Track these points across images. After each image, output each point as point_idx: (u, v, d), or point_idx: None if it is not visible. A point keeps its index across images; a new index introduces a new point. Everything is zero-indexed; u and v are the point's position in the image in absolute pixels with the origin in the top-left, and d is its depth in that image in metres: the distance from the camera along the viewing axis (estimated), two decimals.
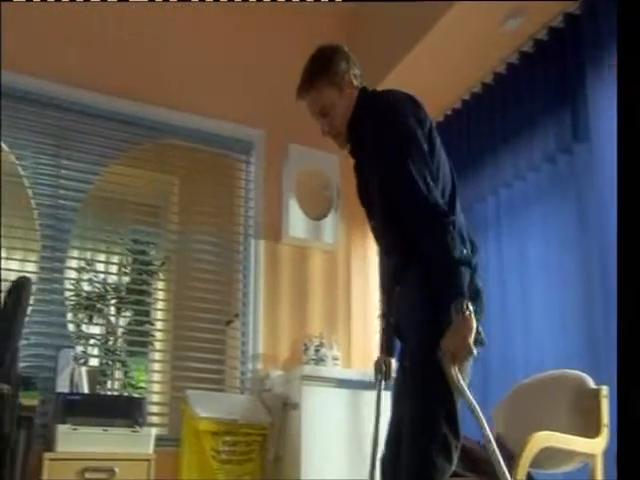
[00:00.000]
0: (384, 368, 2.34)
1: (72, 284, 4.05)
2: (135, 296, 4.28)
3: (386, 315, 2.33)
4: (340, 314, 4.14)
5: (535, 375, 2.95)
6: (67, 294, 3.83)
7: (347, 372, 3.72)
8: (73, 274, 3.98)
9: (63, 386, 3.19)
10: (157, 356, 4.08)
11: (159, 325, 4.20)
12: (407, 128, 1.99)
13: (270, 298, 4.01)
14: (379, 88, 4.18)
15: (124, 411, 3.13)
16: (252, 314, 3.93)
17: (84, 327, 4.22)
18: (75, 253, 4.02)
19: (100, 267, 4.39)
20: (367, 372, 2.97)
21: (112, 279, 4.53)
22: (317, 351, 3.77)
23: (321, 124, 2.19)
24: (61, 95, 3.80)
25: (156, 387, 4.04)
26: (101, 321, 4.23)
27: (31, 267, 3.63)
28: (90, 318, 4.22)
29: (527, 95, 3.61)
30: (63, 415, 2.99)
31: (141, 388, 4.42)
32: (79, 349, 3.78)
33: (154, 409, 3.80)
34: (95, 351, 3.99)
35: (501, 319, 3.53)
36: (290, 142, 4.29)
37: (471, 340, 1.80)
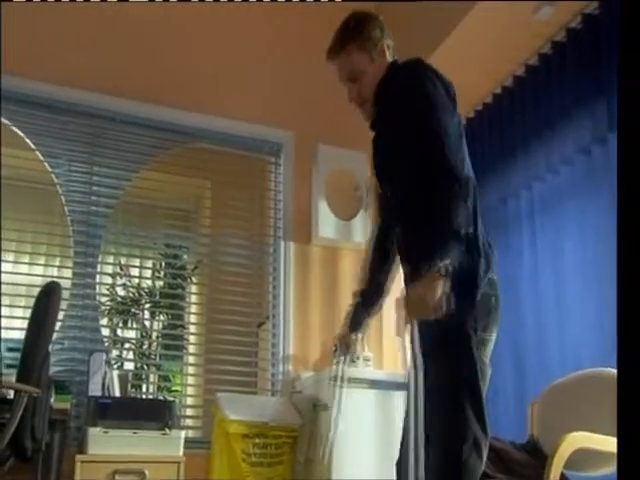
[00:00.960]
0: (347, 344, 2.25)
1: (107, 289, 4.11)
2: (169, 300, 4.33)
3: (364, 293, 2.27)
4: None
5: (571, 373, 2.86)
6: (101, 299, 3.89)
7: (378, 373, 3.68)
8: (106, 279, 4.04)
9: (95, 390, 3.24)
10: (191, 359, 4.11)
11: (192, 329, 4.24)
12: (435, 92, 1.93)
13: (301, 299, 3.99)
14: None
15: (154, 414, 3.15)
16: (282, 316, 3.93)
17: (119, 331, 4.28)
18: (110, 259, 4.08)
19: (134, 272, 4.45)
20: (399, 373, 2.93)
21: (146, 284, 4.59)
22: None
23: (349, 89, 2.14)
24: (91, 102, 3.86)
25: (190, 390, 4.07)
26: (136, 325, 4.29)
27: (65, 273, 3.70)
28: (125, 323, 4.28)
29: (560, 86, 3.51)
30: (94, 418, 3.03)
31: (175, 391, 4.46)
32: (114, 353, 3.84)
33: (188, 412, 3.82)
34: (130, 355, 4.05)
35: (536, 316, 3.45)
36: (319, 142, 4.28)
37: (433, 299, 1.73)
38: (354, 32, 2.13)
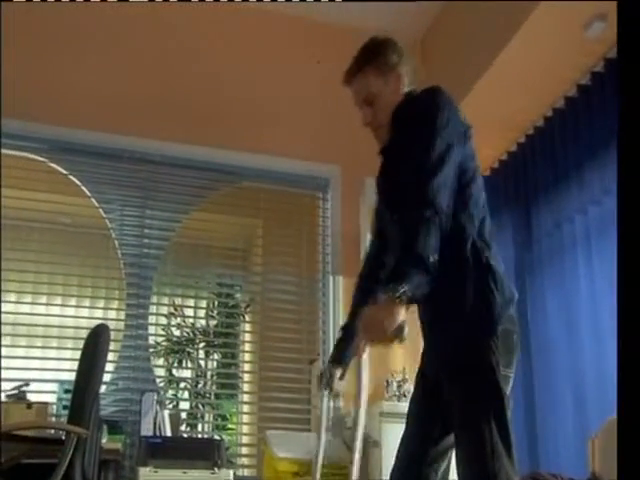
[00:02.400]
0: (329, 378, 2.19)
1: (162, 329, 4.19)
2: (223, 339, 4.37)
3: (349, 326, 2.21)
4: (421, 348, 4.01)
5: None
6: (156, 339, 3.97)
7: None
8: (158, 320, 4.12)
9: (147, 429, 3.28)
10: (245, 397, 4.12)
11: (246, 367, 4.25)
12: (441, 121, 1.89)
13: None
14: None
15: (203, 453, 3.16)
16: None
17: (174, 371, 4.34)
18: (163, 299, 4.16)
19: (188, 311, 4.53)
20: None
21: (200, 323, 4.65)
22: (399, 386, 3.66)
23: (364, 113, 2.12)
24: (142, 148, 4.00)
25: (245, 428, 4.07)
26: (190, 365, 4.35)
27: (119, 315, 3.80)
28: (180, 362, 4.34)
29: (614, 104, 3.40)
30: (145, 458, 3.07)
31: (230, 429, 4.47)
32: (170, 392, 3.89)
33: (244, 450, 3.82)
34: (184, 394, 4.10)
35: (595, 346, 3.30)
36: (366, 175, 4.26)
37: (387, 325, 1.65)
38: (371, 55, 2.12)
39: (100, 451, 2.91)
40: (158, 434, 3.28)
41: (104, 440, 3.11)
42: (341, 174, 4.32)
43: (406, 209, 1.81)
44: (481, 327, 1.86)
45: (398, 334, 1.67)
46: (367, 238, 4.10)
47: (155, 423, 3.29)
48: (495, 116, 4.09)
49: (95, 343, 2.93)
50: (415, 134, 1.92)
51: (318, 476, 1.94)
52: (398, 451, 2.02)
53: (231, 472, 3.17)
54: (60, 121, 3.87)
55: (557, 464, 3.23)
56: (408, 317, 1.74)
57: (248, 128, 4.20)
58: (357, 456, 1.78)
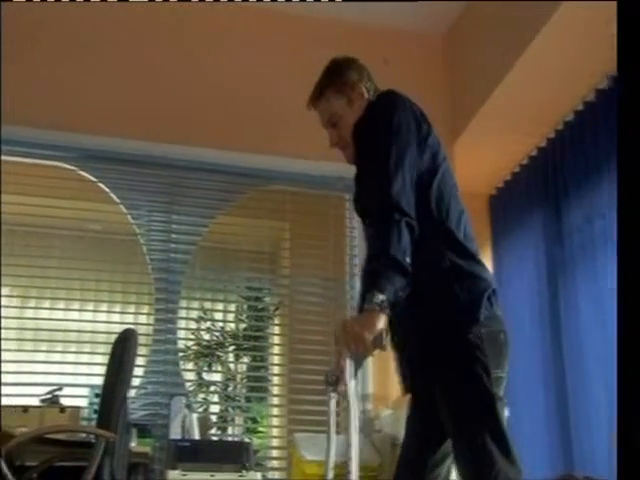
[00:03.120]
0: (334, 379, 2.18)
1: (192, 333, 4.22)
2: (252, 342, 4.38)
3: None
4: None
5: None
6: (186, 343, 4.00)
7: None
8: (186, 324, 4.15)
9: (176, 433, 3.30)
10: (275, 400, 4.12)
11: (275, 369, 4.26)
12: (393, 120, 1.91)
13: None
14: (485, 107, 4.09)
15: (231, 455, 3.17)
16: None
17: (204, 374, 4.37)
18: (191, 303, 4.19)
19: (218, 315, 4.55)
20: None
21: (229, 327, 4.67)
22: None
23: (330, 135, 2.14)
24: (168, 153, 4.02)
25: (274, 431, 4.07)
26: (220, 368, 4.38)
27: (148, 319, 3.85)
28: (210, 365, 4.37)
29: None
30: (174, 461, 3.09)
31: (260, 432, 4.48)
32: (200, 396, 3.92)
33: (274, 453, 3.82)
34: (213, 397, 4.12)
35: None
36: None
37: (368, 336, 1.64)
38: (331, 77, 2.15)
39: (129, 454, 2.94)
40: (186, 437, 3.30)
41: (133, 444, 3.14)
42: None
43: (374, 217, 1.82)
44: (454, 331, 1.83)
45: (378, 343, 1.66)
46: None
47: (183, 426, 3.31)
48: (523, 112, 4.02)
49: (122, 348, 2.96)
50: (370, 145, 1.94)
51: (331, 476, 1.93)
52: (398, 462, 2.01)
53: (259, 474, 3.17)
54: (88, 129, 3.92)
55: (593, 464, 3.16)
56: None
57: (273, 131, 4.19)
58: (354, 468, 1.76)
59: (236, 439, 4.07)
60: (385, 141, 1.87)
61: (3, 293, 4.36)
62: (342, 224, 4.27)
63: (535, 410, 3.76)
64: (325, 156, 4.20)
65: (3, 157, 3.91)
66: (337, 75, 2.15)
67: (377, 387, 3.82)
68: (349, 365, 1.70)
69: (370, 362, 3.85)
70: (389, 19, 4.41)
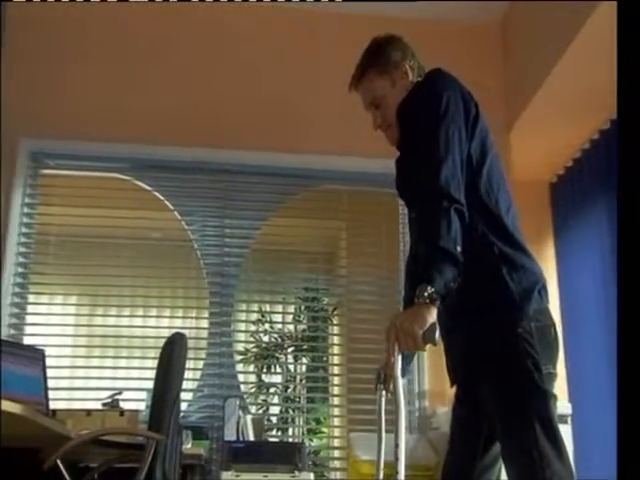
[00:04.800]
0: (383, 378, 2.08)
1: (251, 335, 4.25)
2: (311, 343, 4.37)
3: None
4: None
5: None
6: (245, 345, 4.02)
7: None
8: (245, 326, 4.19)
9: (230, 435, 3.32)
10: (335, 400, 4.09)
11: (335, 370, 4.23)
12: (442, 101, 1.82)
13: None
14: (541, 92, 3.94)
15: (284, 456, 3.17)
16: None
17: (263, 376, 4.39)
18: (248, 306, 4.23)
19: (276, 317, 4.57)
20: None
21: (288, 328, 4.68)
22: None
23: (373, 116, 2.07)
24: (219, 159, 4.07)
25: (336, 431, 4.04)
26: (279, 370, 4.39)
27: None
28: (269, 367, 4.38)
29: None
30: (228, 462, 3.11)
31: (321, 433, 4.46)
32: (261, 398, 3.94)
33: (335, 453, 3.80)
34: (275, 399, 4.13)
35: None
36: None
37: (418, 331, 1.58)
38: (373, 57, 2.08)
39: (181, 456, 2.98)
40: (240, 439, 3.32)
41: (188, 445, 3.18)
42: None
43: (422, 205, 1.74)
44: (504, 324, 1.74)
45: (430, 337, 1.61)
46: None
47: (238, 428, 3.33)
48: (581, 95, 3.85)
49: (169, 351, 3.01)
50: (418, 127, 1.85)
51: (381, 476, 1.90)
52: (444, 469, 1.94)
53: (312, 475, 3.15)
54: (140, 139, 4.02)
55: None
56: None
57: (323, 130, 4.18)
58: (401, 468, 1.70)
59: (290, 440, 4.08)
60: (433, 123, 1.80)
61: (72, 302, 4.56)
62: (395, 221, 4.20)
63: (601, 408, 3.58)
64: (378, 153, 4.17)
65: (63, 172, 4.08)
66: (379, 55, 2.08)
67: (433, 384, 3.73)
68: (398, 362, 1.66)
69: (425, 358, 3.78)
70: (442, 13, 4.34)
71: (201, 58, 4.21)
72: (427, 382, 3.75)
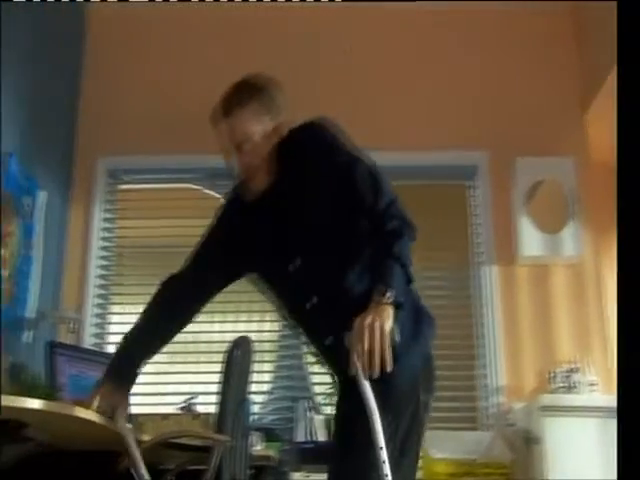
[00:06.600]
0: None
1: None
2: None
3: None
4: (594, 334, 3.63)
5: None
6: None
7: (597, 399, 3.21)
8: None
9: (301, 436, 3.33)
10: None
11: None
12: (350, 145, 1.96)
13: (509, 325, 3.70)
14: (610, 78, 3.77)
15: None
16: (491, 344, 3.67)
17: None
18: None
19: None
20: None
21: None
22: (567, 377, 3.33)
23: (238, 159, 1.94)
24: None
25: None
26: None
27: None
28: None
29: None
30: (297, 463, 3.12)
31: None
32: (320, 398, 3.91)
33: None
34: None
35: None
36: (515, 156, 3.99)
37: (386, 331, 1.62)
38: (247, 95, 1.95)
39: (250, 458, 3.01)
40: (311, 440, 3.32)
41: (259, 447, 3.21)
42: (489, 159, 4.07)
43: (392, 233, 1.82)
44: (414, 353, 1.89)
45: (392, 337, 1.66)
46: (521, 220, 3.84)
47: (307, 429, 3.34)
48: None
49: (231, 355, 3.05)
50: (338, 165, 1.90)
51: None
52: None
53: None
54: (209, 149, 4.10)
55: None
56: None
57: (387, 127, 4.12)
58: None
59: None
60: (366, 164, 2.02)
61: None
62: (465, 212, 4.09)
63: None
64: (443, 145, 4.09)
65: (137, 186, 4.25)
66: (252, 95, 1.96)
67: (509, 378, 3.60)
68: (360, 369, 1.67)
69: (502, 352, 3.66)
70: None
71: (278, 66, 4.22)
72: (503, 376, 3.62)
